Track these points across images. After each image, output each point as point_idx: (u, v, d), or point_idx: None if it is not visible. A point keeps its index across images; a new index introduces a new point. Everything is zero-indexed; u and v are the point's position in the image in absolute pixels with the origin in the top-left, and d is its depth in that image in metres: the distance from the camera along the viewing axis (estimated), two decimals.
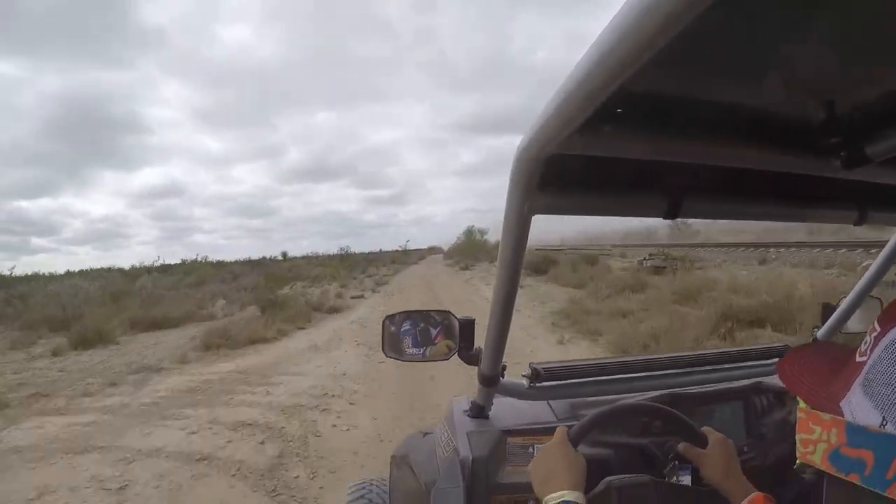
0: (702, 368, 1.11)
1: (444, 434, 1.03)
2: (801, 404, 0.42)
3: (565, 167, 0.50)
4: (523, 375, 1.01)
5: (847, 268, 8.20)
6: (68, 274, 22.99)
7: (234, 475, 2.63)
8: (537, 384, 1.00)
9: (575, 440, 0.72)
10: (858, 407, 0.37)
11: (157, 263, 23.67)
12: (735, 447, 0.78)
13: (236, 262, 29.06)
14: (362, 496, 1.33)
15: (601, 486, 0.71)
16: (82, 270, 25.15)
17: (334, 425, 3.31)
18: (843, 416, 0.38)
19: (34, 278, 20.22)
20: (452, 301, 9.41)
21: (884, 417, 0.35)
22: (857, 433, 0.36)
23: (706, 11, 0.24)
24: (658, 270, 10.32)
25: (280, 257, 37.29)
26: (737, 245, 16.01)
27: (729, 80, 0.44)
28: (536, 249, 22.40)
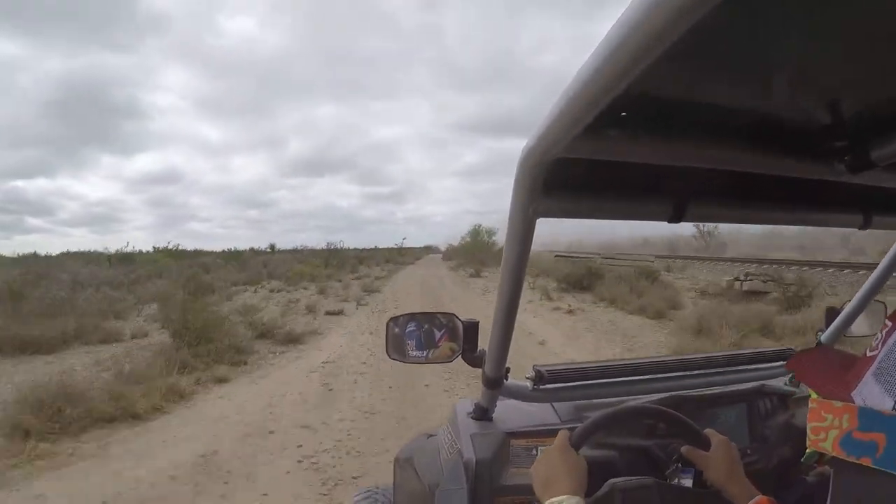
0: (705, 371, 1.11)
1: (447, 436, 1.03)
2: (813, 395, 0.44)
3: (570, 171, 0.50)
4: (527, 378, 1.01)
5: None
6: None
7: None
8: (541, 386, 1.00)
9: (576, 444, 0.73)
10: (871, 394, 0.38)
11: (126, 250, 20.51)
12: (738, 450, 0.79)
13: (211, 253, 25.88)
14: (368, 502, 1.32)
15: (605, 488, 0.72)
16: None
17: None
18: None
19: None
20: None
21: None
22: (869, 417, 0.37)
23: (709, 14, 0.24)
24: (759, 296, 7.46)
25: (268, 249, 34.01)
26: (849, 265, 11.36)
27: (734, 85, 0.43)
28: (557, 256, 19.30)
